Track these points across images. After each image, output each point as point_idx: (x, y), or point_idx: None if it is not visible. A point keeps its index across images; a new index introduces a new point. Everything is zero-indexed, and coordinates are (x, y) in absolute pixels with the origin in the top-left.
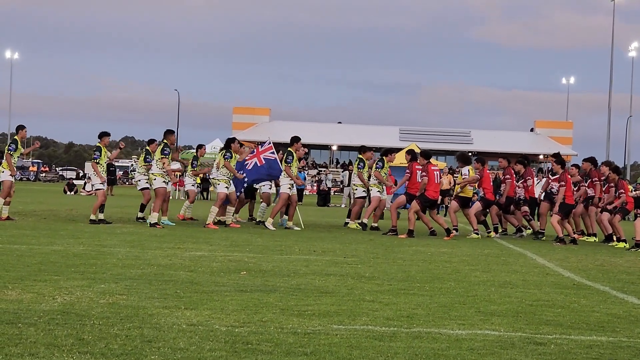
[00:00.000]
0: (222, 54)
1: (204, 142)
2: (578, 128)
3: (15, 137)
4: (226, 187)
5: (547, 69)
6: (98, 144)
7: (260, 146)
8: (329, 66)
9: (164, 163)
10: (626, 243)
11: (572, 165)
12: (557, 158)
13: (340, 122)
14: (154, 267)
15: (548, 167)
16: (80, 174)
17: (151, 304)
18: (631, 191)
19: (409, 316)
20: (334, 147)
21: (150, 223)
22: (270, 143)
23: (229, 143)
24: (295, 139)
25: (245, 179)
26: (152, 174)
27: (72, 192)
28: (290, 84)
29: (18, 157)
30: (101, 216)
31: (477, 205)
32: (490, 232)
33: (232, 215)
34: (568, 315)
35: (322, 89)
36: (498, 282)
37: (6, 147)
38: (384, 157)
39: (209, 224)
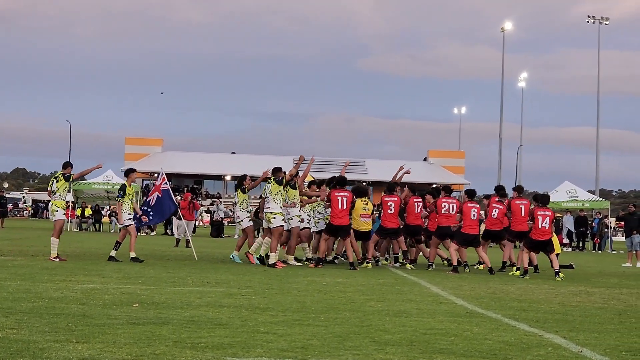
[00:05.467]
0: (113, 84)
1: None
2: (470, 157)
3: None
4: (283, 220)
5: (438, 99)
6: (124, 182)
7: (156, 178)
8: (221, 96)
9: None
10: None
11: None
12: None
13: (233, 152)
14: (45, 300)
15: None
16: None
17: (42, 337)
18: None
19: (304, 347)
20: (228, 178)
21: (268, 263)
22: (163, 174)
23: (241, 180)
24: (278, 169)
25: (151, 215)
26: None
27: None
28: (183, 114)
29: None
30: (132, 254)
31: (374, 236)
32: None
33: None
34: (461, 343)
35: (214, 119)
36: (392, 312)
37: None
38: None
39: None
